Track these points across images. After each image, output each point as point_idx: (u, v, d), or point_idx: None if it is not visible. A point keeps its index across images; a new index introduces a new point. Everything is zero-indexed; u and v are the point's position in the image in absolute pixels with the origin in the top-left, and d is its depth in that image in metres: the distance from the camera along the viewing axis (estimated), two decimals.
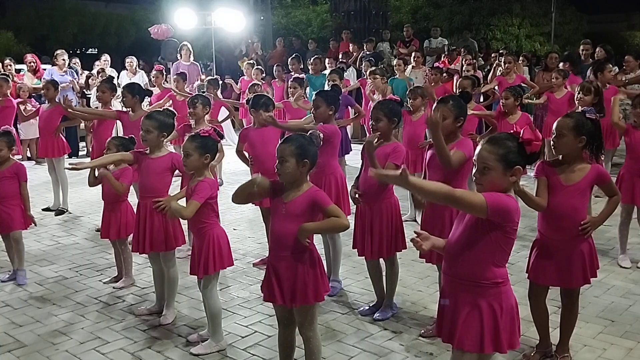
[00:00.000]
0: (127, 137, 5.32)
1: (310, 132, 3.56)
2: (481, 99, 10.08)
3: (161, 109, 5.14)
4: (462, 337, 2.70)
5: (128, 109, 6.48)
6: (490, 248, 2.67)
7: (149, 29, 14.42)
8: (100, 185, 5.15)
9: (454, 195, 2.57)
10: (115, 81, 10.02)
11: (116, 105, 7.93)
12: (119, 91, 7.37)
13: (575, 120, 3.54)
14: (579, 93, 5.88)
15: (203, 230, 3.92)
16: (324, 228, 3.52)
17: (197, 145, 3.83)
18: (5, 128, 5.51)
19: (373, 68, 8.96)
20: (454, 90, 8.83)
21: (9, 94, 8.46)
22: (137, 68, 12.14)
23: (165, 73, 11.02)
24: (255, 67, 11.91)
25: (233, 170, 9.34)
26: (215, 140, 3.93)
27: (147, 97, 7.37)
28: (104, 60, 12.68)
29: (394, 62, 10.89)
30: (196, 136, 3.87)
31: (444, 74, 10.08)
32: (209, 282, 3.98)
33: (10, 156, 5.35)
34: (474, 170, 2.77)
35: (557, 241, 3.59)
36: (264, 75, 11.75)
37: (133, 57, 12.25)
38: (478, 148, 2.77)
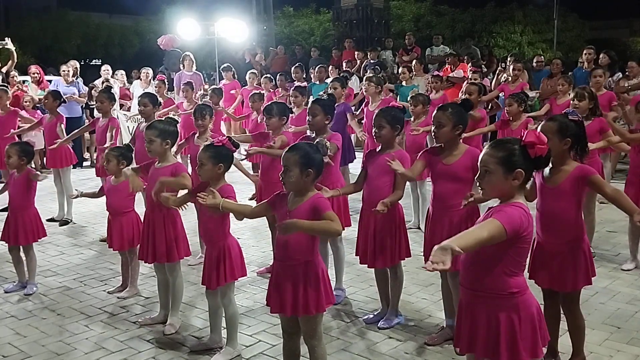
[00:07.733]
0: (124, 145, 5.34)
1: (317, 140, 3.55)
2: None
3: (163, 118, 5.15)
4: (483, 349, 2.69)
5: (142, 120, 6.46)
6: (503, 260, 2.64)
7: (157, 40, 14.50)
8: (104, 196, 5.18)
9: (486, 238, 2.51)
10: (114, 91, 10.01)
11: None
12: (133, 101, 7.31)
13: (559, 123, 3.52)
14: (573, 100, 5.84)
15: (215, 240, 3.93)
16: (316, 229, 3.28)
17: (211, 154, 3.83)
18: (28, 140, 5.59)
19: (370, 75, 8.69)
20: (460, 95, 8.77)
21: (8, 105, 8.49)
22: (152, 80, 12.10)
23: (167, 83, 11.04)
24: (264, 75, 11.92)
25: (233, 180, 9.30)
26: (230, 149, 3.92)
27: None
28: (105, 70, 12.64)
29: (399, 69, 10.88)
30: (210, 146, 3.87)
31: (445, 82, 10.06)
32: (227, 290, 4.00)
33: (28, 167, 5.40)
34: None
35: (550, 244, 3.56)
36: (272, 84, 11.76)
37: (149, 68, 12.23)
38: (482, 153, 2.76)
